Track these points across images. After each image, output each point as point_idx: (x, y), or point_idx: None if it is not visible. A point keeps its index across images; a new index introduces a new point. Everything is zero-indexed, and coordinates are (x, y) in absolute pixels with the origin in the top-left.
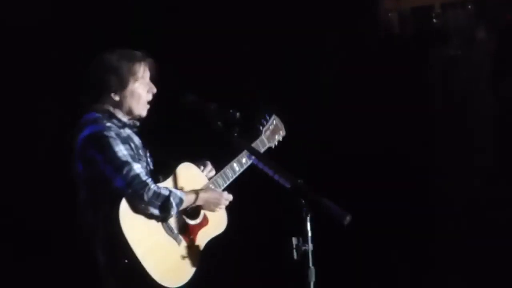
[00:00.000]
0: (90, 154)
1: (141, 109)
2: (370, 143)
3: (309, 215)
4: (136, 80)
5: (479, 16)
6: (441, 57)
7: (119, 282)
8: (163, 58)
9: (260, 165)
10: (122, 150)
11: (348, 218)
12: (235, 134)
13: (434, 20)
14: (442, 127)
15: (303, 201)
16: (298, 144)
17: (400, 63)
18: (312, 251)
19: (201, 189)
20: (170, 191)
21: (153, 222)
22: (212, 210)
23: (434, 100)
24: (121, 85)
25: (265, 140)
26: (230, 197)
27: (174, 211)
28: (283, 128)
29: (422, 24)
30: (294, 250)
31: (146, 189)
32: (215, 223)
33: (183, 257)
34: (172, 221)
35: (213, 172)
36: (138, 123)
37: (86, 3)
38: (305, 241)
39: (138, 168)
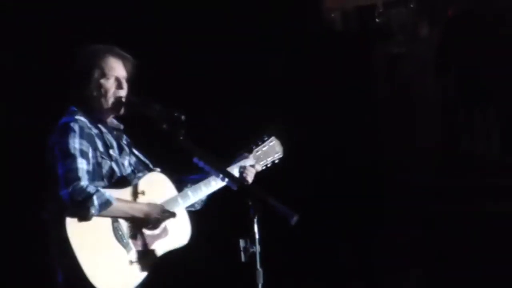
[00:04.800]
0: (51, 143)
1: (111, 106)
2: (316, 140)
3: (256, 217)
4: (102, 75)
5: (421, 12)
6: (385, 54)
7: (65, 280)
8: None
9: (207, 168)
10: (75, 143)
11: (295, 218)
12: (181, 137)
13: (377, 19)
14: (389, 123)
15: (250, 202)
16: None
17: (345, 61)
18: (260, 253)
19: (147, 203)
20: (97, 191)
21: (103, 226)
22: (151, 227)
23: (379, 97)
24: (86, 79)
25: (252, 160)
26: (173, 214)
27: (94, 210)
28: (281, 151)
29: (366, 23)
30: (242, 252)
31: (75, 183)
32: (176, 236)
33: (130, 266)
34: (125, 229)
35: None
36: (121, 126)
37: None
38: (253, 242)
39: (81, 163)
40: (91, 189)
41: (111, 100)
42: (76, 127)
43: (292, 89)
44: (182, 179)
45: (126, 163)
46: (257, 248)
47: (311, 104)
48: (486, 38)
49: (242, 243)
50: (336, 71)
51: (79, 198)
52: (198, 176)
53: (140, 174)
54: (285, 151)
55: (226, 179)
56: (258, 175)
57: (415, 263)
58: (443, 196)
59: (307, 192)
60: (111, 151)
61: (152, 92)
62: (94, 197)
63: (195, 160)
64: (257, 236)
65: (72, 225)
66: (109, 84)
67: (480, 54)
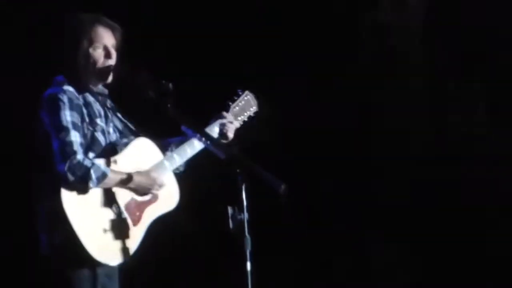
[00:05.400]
0: (41, 115)
1: (99, 74)
2: (302, 108)
3: (244, 185)
4: (90, 43)
5: None
6: (372, 23)
7: (55, 255)
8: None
9: (196, 136)
10: (67, 116)
11: (283, 187)
12: (169, 105)
13: None
14: (376, 95)
15: (238, 170)
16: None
17: (330, 27)
18: (248, 220)
19: (137, 172)
20: (93, 164)
21: (96, 196)
22: (143, 194)
23: (364, 65)
24: (74, 48)
25: (230, 116)
26: (163, 184)
27: (93, 184)
28: (256, 104)
29: None
30: (230, 220)
31: (72, 157)
32: (165, 200)
33: (125, 234)
34: (118, 197)
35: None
36: (106, 91)
37: None
38: (241, 210)
39: (75, 136)
40: (87, 162)
41: (99, 69)
42: (65, 98)
43: (274, 59)
44: (163, 143)
45: (111, 130)
46: (245, 215)
47: (294, 75)
48: (477, 9)
49: (230, 210)
50: (321, 41)
51: (78, 173)
52: (178, 138)
53: (125, 140)
54: (259, 105)
55: (214, 146)
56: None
57: (403, 235)
58: (431, 167)
59: (295, 160)
60: (98, 120)
61: (138, 59)
62: (92, 171)
63: (184, 128)
64: (245, 203)
65: (67, 197)
66: (98, 53)
67: (470, 24)
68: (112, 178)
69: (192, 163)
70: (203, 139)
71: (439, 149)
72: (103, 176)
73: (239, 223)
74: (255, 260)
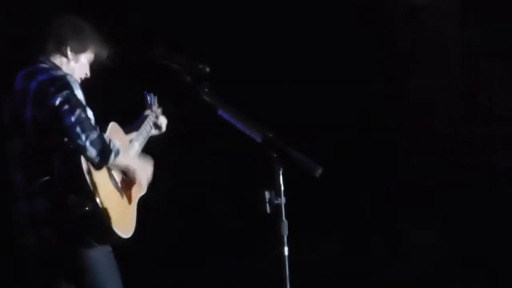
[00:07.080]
0: (51, 94)
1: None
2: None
3: (281, 169)
4: (89, 55)
5: None
6: (405, 5)
7: (62, 231)
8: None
9: (231, 120)
10: (79, 95)
11: (320, 171)
12: (206, 89)
13: None
14: (407, 78)
15: (274, 154)
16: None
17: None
18: (285, 205)
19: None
20: (110, 140)
21: (103, 173)
22: (135, 178)
23: (396, 50)
24: (79, 49)
25: (159, 111)
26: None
27: (111, 160)
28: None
29: None
30: (267, 204)
31: (92, 132)
32: (142, 182)
33: (127, 211)
34: (116, 177)
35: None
36: None
37: None
38: (278, 194)
39: (90, 113)
40: (106, 137)
41: (79, 78)
42: (72, 80)
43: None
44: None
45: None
46: (282, 200)
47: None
48: None
49: (267, 194)
50: (350, 24)
51: (99, 148)
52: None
53: None
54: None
55: (249, 130)
56: None
57: (436, 216)
58: (463, 147)
59: (327, 146)
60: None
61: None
62: (111, 146)
63: (221, 112)
64: (282, 188)
65: (87, 171)
66: (87, 68)
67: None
68: (122, 156)
69: (227, 147)
70: (239, 123)
71: (470, 128)
72: (118, 153)
73: (276, 208)
74: (292, 245)
